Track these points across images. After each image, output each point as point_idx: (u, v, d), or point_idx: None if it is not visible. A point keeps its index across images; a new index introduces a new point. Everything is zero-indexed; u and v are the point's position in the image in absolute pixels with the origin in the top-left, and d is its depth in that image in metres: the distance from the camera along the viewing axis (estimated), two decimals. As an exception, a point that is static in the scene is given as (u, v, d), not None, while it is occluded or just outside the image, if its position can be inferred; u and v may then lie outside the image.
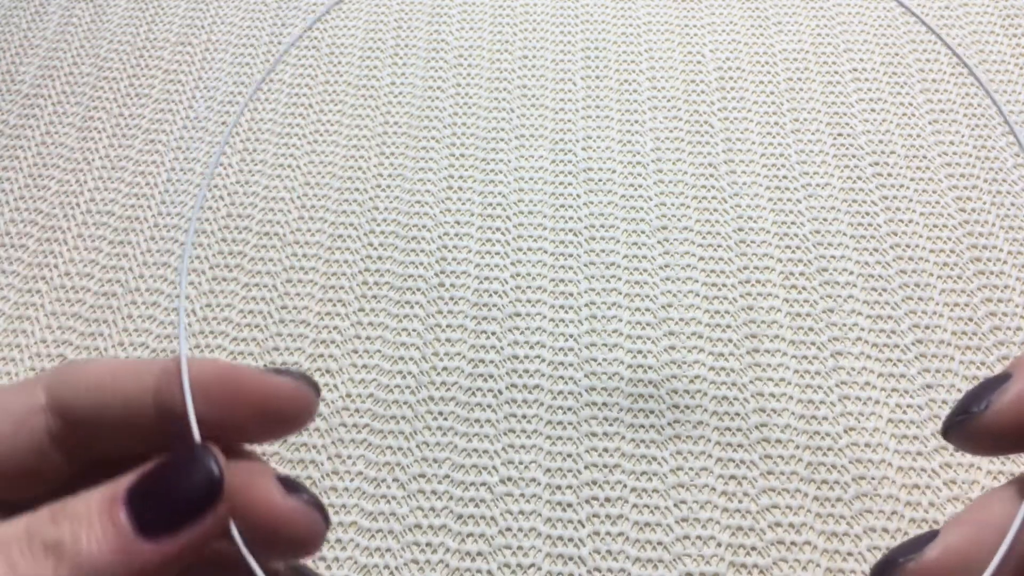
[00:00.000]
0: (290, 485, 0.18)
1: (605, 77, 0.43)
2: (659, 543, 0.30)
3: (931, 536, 0.18)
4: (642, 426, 0.33)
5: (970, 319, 0.35)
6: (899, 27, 0.44)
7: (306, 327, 0.36)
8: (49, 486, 0.18)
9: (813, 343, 0.35)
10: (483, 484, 0.32)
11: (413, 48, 0.45)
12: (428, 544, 0.31)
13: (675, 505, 0.31)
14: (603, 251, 0.37)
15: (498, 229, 0.38)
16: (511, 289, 0.36)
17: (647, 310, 0.36)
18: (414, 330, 0.36)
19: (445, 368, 0.35)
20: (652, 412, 0.33)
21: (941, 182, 0.39)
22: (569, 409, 0.33)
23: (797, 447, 0.32)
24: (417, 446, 0.33)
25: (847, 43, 0.44)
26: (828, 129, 0.41)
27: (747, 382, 0.34)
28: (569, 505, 0.31)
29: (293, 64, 0.44)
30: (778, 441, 0.32)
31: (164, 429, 0.18)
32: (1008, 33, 0.44)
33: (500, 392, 0.34)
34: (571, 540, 0.31)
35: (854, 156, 0.40)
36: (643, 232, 0.38)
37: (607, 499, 0.31)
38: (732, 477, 0.32)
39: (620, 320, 0.35)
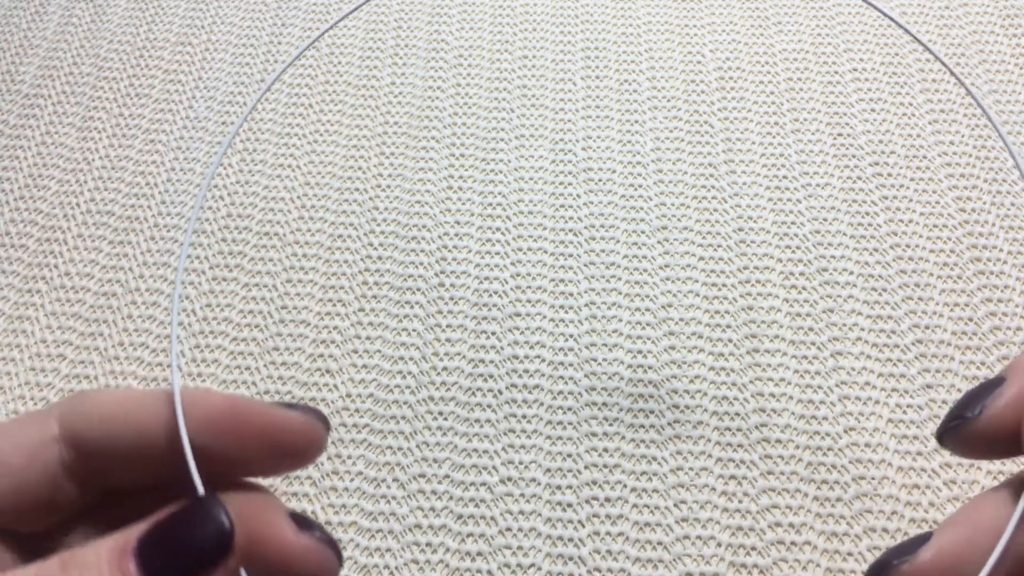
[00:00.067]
0: (302, 522, 0.18)
1: (605, 77, 0.43)
2: (659, 543, 0.30)
3: (925, 538, 0.18)
4: (642, 426, 0.33)
5: (970, 319, 0.35)
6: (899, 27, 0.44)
7: (306, 327, 0.36)
8: (62, 517, 0.19)
9: (813, 343, 0.35)
10: (483, 484, 0.32)
11: (413, 48, 0.45)
12: (428, 544, 0.31)
13: (675, 505, 0.31)
14: (603, 251, 0.37)
15: (498, 229, 0.38)
16: (511, 289, 0.36)
17: (647, 310, 0.36)
18: (414, 330, 0.36)
19: (445, 368, 0.35)
20: (652, 412, 0.33)
21: (941, 182, 0.39)
22: (569, 409, 0.33)
23: (797, 447, 0.32)
24: (417, 446, 0.33)
25: (847, 43, 0.44)
26: (828, 129, 0.41)
27: (747, 382, 0.34)
28: (569, 505, 0.31)
29: (294, 64, 0.44)
30: (778, 441, 0.32)
31: (176, 461, 0.18)
32: (1008, 33, 0.44)
33: (500, 392, 0.34)
34: (571, 540, 0.31)
35: (854, 156, 0.40)
36: (643, 232, 0.38)
37: (607, 499, 0.31)
38: (732, 477, 0.32)
39: (620, 320, 0.35)
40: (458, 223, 0.38)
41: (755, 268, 0.37)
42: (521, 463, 0.32)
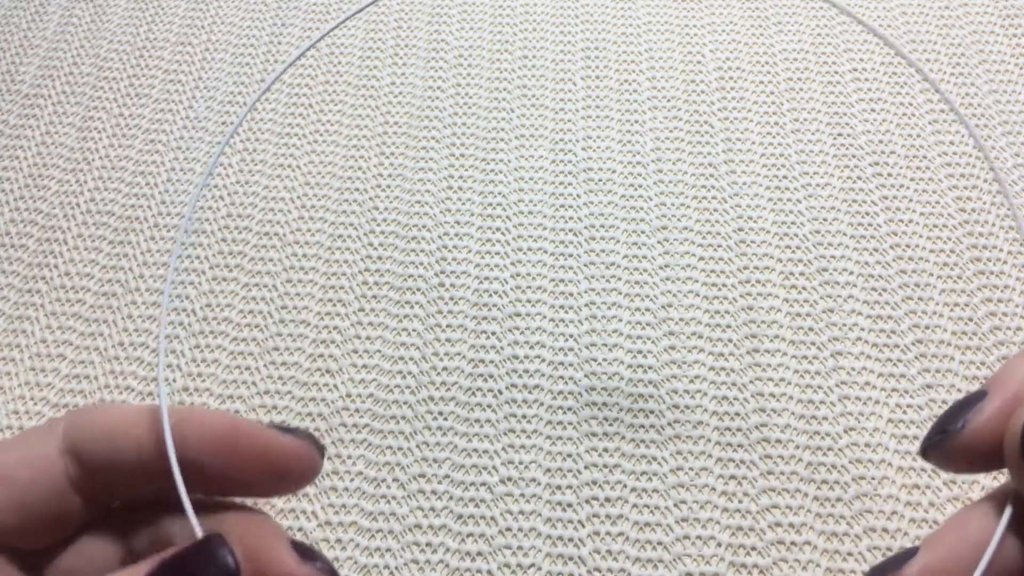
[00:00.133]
0: (304, 551, 0.18)
1: (605, 77, 0.43)
2: (659, 543, 0.30)
3: (911, 553, 0.18)
4: (642, 426, 0.33)
5: (970, 319, 0.35)
6: (899, 27, 0.44)
7: (306, 327, 0.36)
8: (68, 532, 0.19)
9: (813, 343, 0.35)
10: (483, 484, 0.32)
11: (413, 48, 0.45)
12: (428, 544, 0.31)
13: (675, 505, 0.31)
14: (603, 251, 0.37)
15: (498, 229, 0.38)
16: (511, 289, 0.36)
17: (647, 310, 0.36)
18: (414, 330, 0.36)
19: (445, 368, 0.35)
20: (652, 412, 0.33)
21: (941, 182, 0.39)
22: (569, 409, 0.33)
23: (797, 447, 0.32)
24: (417, 446, 0.33)
25: (847, 43, 0.44)
26: (828, 129, 0.41)
27: (747, 382, 0.34)
28: (569, 505, 0.31)
29: (293, 64, 0.44)
30: (778, 441, 0.32)
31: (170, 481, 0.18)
32: (1008, 33, 0.44)
33: (500, 392, 0.34)
34: (571, 540, 0.31)
35: (854, 156, 0.40)
36: (643, 232, 0.38)
37: (607, 499, 0.31)
38: (732, 477, 0.32)
39: (620, 320, 0.35)
40: (458, 223, 0.38)
41: (755, 268, 0.37)
42: (521, 463, 0.32)
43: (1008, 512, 0.17)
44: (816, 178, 0.39)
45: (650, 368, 0.34)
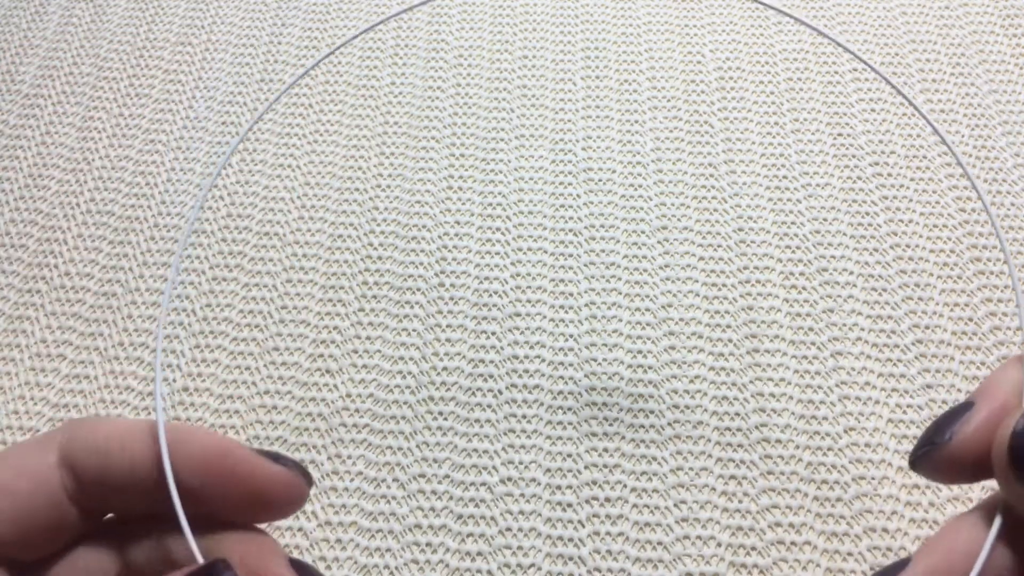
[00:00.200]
0: (302, 569, 0.18)
1: (605, 77, 0.43)
2: (659, 543, 0.30)
3: (903, 564, 0.18)
4: (642, 426, 0.33)
5: (970, 319, 0.35)
6: (899, 27, 0.44)
7: (306, 327, 0.36)
8: (64, 543, 0.19)
9: (813, 343, 0.35)
10: (483, 484, 0.32)
11: (413, 48, 0.45)
12: (428, 544, 0.31)
13: (675, 505, 0.31)
14: (603, 251, 0.37)
15: (498, 229, 0.38)
16: (511, 289, 0.36)
17: (647, 310, 0.36)
18: (414, 330, 0.36)
19: (445, 368, 0.35)
20: (652, 412, 0.33)
21: (941, 182, 0.39)
22: (569, 409, 0.33)
23: (797, 447, 0.32)
24: (417, 446, 0.33)
25: (847, 43, 0.44)
26: (828, 129, 0.41)
27: (747, 382, 0.34)
28: (569, 505, 0.31)
29: (293, 65, 0.44)
30: (778, 441, 0.32)
31: (168, 497, 0.18)
32: (1008, 33, 0.44)
33: (500, 392, 0.34)
34: (571, 540, 0.31)
35: (854, 156, 0.40)
36: (643, 232, 0.38)
37: (607, 499, 0.31)
38: (732, 477, 0.32)
39: (620, 320, 0.35)
40: (458, 223, 0.38)
41: (755, 268, 0.37)
42: (521, 463, 0.32)
43: (998, 522, 0.18)
44: (816, 178, 0.39)
45: (650, 368, 0.34)
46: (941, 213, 0.38)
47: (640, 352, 0.35)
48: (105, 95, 0.44)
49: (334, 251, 0.38)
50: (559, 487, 0.32)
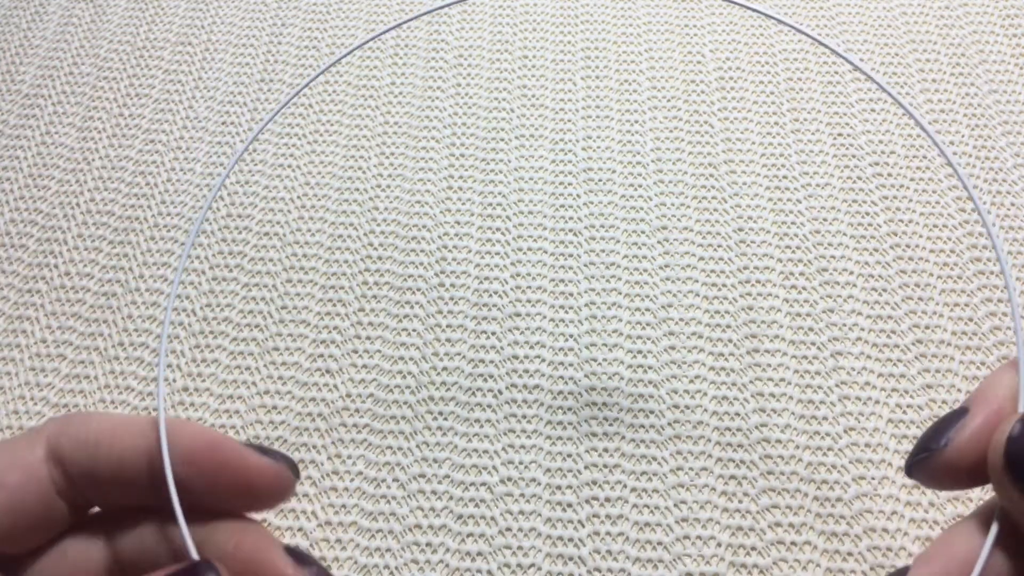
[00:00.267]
0: (299, 557, 0.18)
1: (605, 77, 0.43)
2: (659, 543, 0.30)
3: (902, 574, 0.18)
4: (642, 426, 0.33)
5: (970, 319, 0.35)
6: (899, 27, 0.44)
7: (306, 327, 0.36)
8: (51, 536, 0.19)
9: (813, 343, 0.35)
10: (483, 484, 0.32)
11: (413, 48, 0.45)
12: (428, 544, 0.31)
13: (675, 505, 0.31)
14: (603, 251, 0.37)
15: (498, 229, 0.38)
16: (511, 289, 0.36)
17: (647, 310, 0.36)
18: (414, 330, 0.36)
19: (445, 368, 0.35)
20: (652, 412, 0.33)
21: (941, 182, 0.39)
22: (569, 409, 0.33)
23: (797, 447, 0.32)
24: (417, 446, 0.33)
25: (847, 43, 0.44)
26: (828, 129, 0.41)
27: (747, 382, 0.34)
28: (569, 505, 0.31)
29: (293, 64, 0.44)
30: (778, 441, 0.32)
31: (158, 491, 0.18)
32: (1008, 33, 0.44)
33: (500, 392, 0.34)
34: (571, 540, 0.31)
35: (854, 156, 0.40)
36: (643, 232, 0.38)
37: (607, 499, 0.31)
38: (732, 477, 0.32)
39: (620, 320, 0.35)
40: (458, 223, 0.38)
41: (755, 268, 0.37)
42: (521, 463, 0.32)
43: (994, 529, 0.18)
44: (816, 178, 0.39)
45: (650, 368, 0.34)
46: (941, 213, 0.38)
47: (640, 352, 0.35)
48: (105, 95, 0.44)
49: (334, 251, 0.38)
50: (559, 487, 0.32)
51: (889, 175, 0.39)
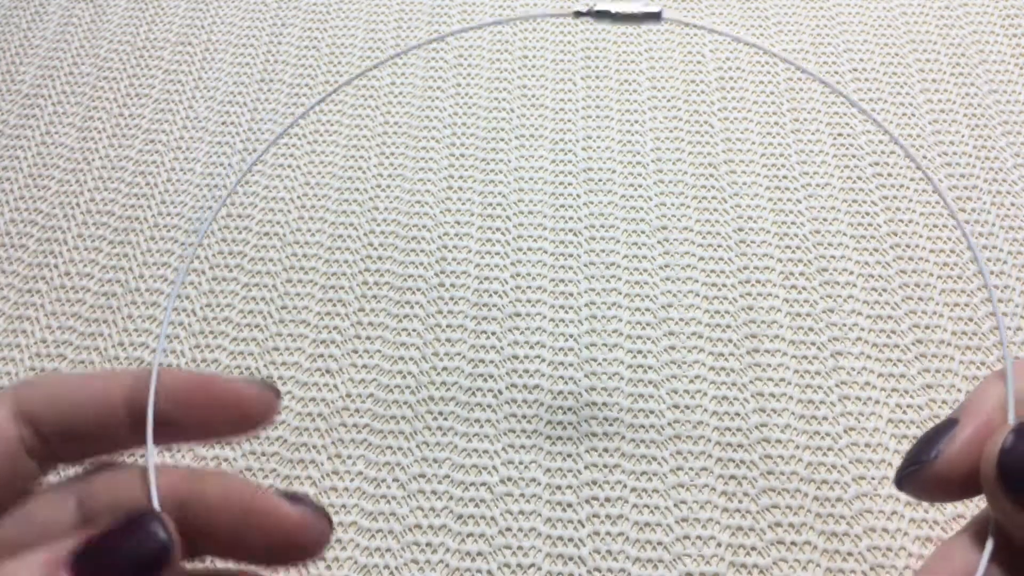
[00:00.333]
0: (292, 497, 0.18)
1: (605, 77, 0.43)
2: (659, 543, 0.30)
3: None
4: (642, 426, 0.33)
5: (970, 319, 0.35)
6: (899, 27, 0.44)
7: (306, 327, 0.36)
8: (18, 495, 0.19)
9: (813, 343, 0.35)
10: (483, 484, 0.32)
11: (409, 51, 0.45)
12: (428, 544, 0.31)
13: (675, 505, 0.31)
14: (603, 251, 0.37)
15: (498, 229, 0.38)
16: (511, 289, 0.36)
17: (647, 310, 0.36)
18: (414, 330, 0.36)
19: (445, 368, 0.35)
20: (652, 412, 0.33)
21: (941, 182, 0.39)
22: (569, 409, 0.33)
23: (797, 447, 0.32)
24: (417, 446, 0.33)
25: (847, 43, 0.44)
26: (828, 129, 0.41)
27: (747, 382, 0.34)
28: (569, 505, 0.31)
29: (293, 64, 0.44)
30: (778, 441, 0.32)
31: (138, 437, 0.19)
32: (1008, 33, 0.44)
33: (500, 392, 0.34)
34: (571, 540, 0.31)
35: (854, 156, 0.40)
36: (643, 232, 0.38)
37: (607, 499, 0.31)
38: (732, 477, 0.32)
39: (620, 320, 0.35)
40: (458, 223, 0.38)
41: (755, 268, 0.37)
42: (521, 463, 0.32)
43: (990, 545, 0.17)
44: (816, 178, 0.39)
45: (650, 368, 0.34)
46: (941, 213, 0.38)
47: (640, 352, 0.35)
48: (105, 95, 0.44)
49: (334, 251, 0.38)
50: (559, 487, 0.32)
51: (889, 175, 0.39)
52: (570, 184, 0.39)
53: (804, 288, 0.36)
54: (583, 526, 0.31)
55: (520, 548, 0.30)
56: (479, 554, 0.30)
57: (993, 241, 0.37)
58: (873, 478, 0.31)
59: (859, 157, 0.40)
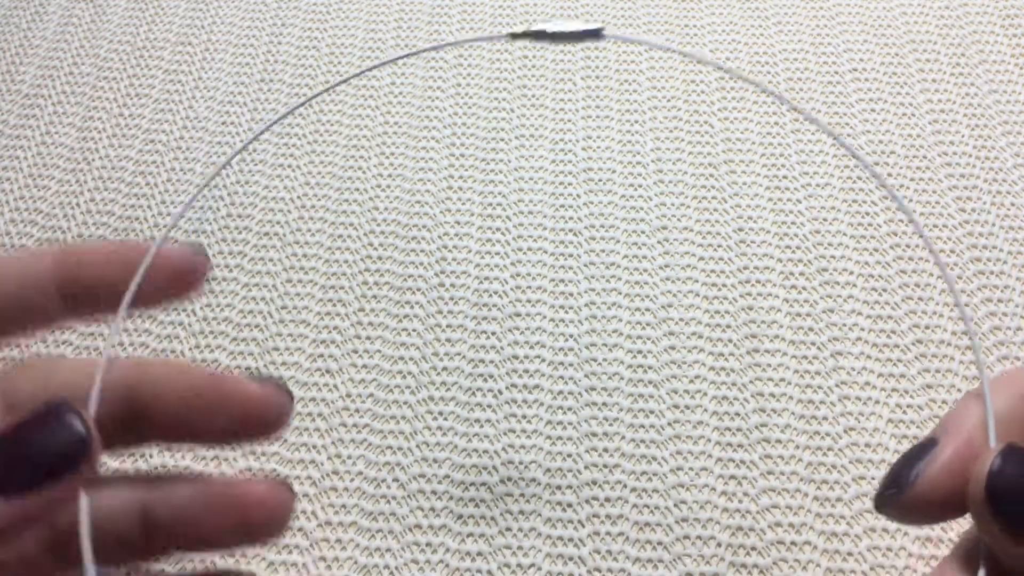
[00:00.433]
0: (257, 377, 0.19)
1: (605, 77, 0.43)
2: (659, 543, 0.30)
3: None
4: (642, 426, 0.33)
5: (970, 319, 0.35)
6: (899, 27, 0.44)
7: (306, 327, 0.36)
8: None
9: (813, 343, 0.35)
10: (483, 484, 0.32)
11: (413, 48, 0.45)
12: (428, 544, 0.31)
13: (675, 505, 0.31)
14: (603, 251, 0.37)
15: (498, 229, 0.38)
16: (511, 289, 0.36)
17: (647, 310, 0.36)
18: (414, 330, 0.36)
19: (445, 368, 0.35)
20: (652, 412, 0.33)
21: (941, 182, 0.39)
22: (569, 409, 0.33)
23: (797, 447, 0.32)
24: (417, 446, 0.33)
25: (847, 43, 0.44)
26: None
27: (747, 382, 0.34)
28: (569, 505, 0.31)
29: (293, 64, 0.44)
30: (778, 441, 0.32)
31: (68, 309, 0.18)
32: (1008, 33, 0.44)
33: (500, 392, 0.34)
34: (571, 540, 0.31)
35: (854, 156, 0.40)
36: (643, 232, 0.38)
37: (607, 499, 0.31)
38: (732, 477, 0.32)
39: (620, 320, 0.35)
40: (458, 223, 0.38)
41: (755, 268, 0.37)
42: (521, 463, 0.32)
43: (982, 573, 0.17)
44: (816, 178, 0.39)
45: (650, 368, 0.34)
46: (941, 213, 0.38)
47: (640, 352, 0.35)
48: (105, 95, 0.44)
49: (334, 251, 0.38)
50: (559, 487, 0.32)
51: (889, 175, 0.39)
52: (570, 184, 0.39)
53: (804, 288, 0.36)
54: (583, 526, 0.31)
55: (520, 548, 0.30)
56: (479, 554, 0.30)
57: (993, 241, 0.37)
58: (873, 478, 0.31)
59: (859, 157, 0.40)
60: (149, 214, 0.39)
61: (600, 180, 0.40)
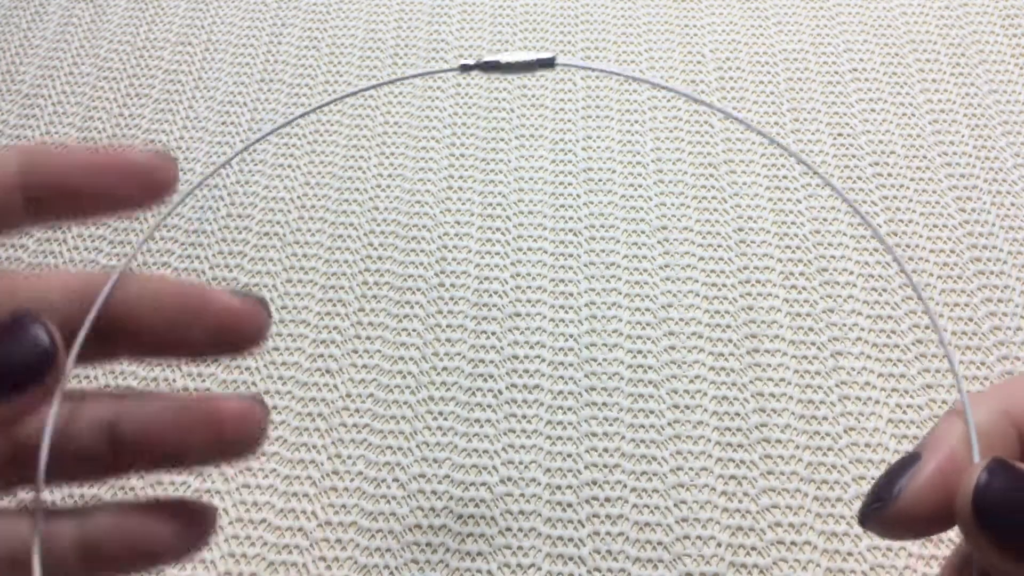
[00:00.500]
0: (236, 291, 0.19)
1: (605, 77, 0.43)
2: (659, 543, 0.30)
3: None
4: (642, 426, 0.33)
5: (970, 319, 0.35)
6: (899, 27, 0.44)
7: (306, 327, 0.36)
8: None
9: (813, 343, 0.35)
10: (483, 484, 0.32)
11: (413, 48, 0.45)
12: (428, 544, 0.31)
13: (675, 505, 0.31)
14: (603, 251, 0.37)
15: (498, 229, 0.38)
16: (511, 289, 0.36)
17: (647, 310, 0.36)
18: (414, 330, 0.36)
19: (445, 368, 0.35)
20: (652, 412, 0.33)
21: (941, 182, 0.39)
22: (569, 409, 0.33)
23: (797, 447, 0.32)
24: (417, 446, 0.33)
25: (847, 43, 0.44)
26: (828, 129, 0.41)
27: (747, 382, 0.34)
28: (569, 505, 0.31)
29: (293, 64, 0.44)
30: (778, 441, 0.32)
31: (31, 213, 0.18)
32: (1008, 33, 0.44)
33: (500, 392, 0.34)
34: (571, 540, 0.31)
35: (854, 156, 0.40)
36: (643, 232, 0.38)
37: (607, 499, 0.31)
38: (732, 477, 0.32)
39: (620, 320, 0.35)
40: (458, 223, 0.38)
41: (755, 268, 0.37)
42: (521, 463, 0.32)
43: None
44: (816, 178, 0.39)
45: (650, 368, 0.34)
46: (941, 213, 0.38)
47: (640, 352, 0.35)
48: (105, 95, 0.44)
49: (334, 251, 0.38)
50: (559, 487, 0.32)
51: (889, 175, 0.39)
52: (570, 184, 0.39)
53: (804, 288, 0.36)
54: (583, 526, 0.31)
55: (520, 548, 0.30)
56: (479, 554, 0.30)
57: (993, 241, 0.37)
58: (873, 478, 0.31)
59: (859, 157, 0.40)
60: (149, 214, 0.39)
61: (600, 180, 0.40)
